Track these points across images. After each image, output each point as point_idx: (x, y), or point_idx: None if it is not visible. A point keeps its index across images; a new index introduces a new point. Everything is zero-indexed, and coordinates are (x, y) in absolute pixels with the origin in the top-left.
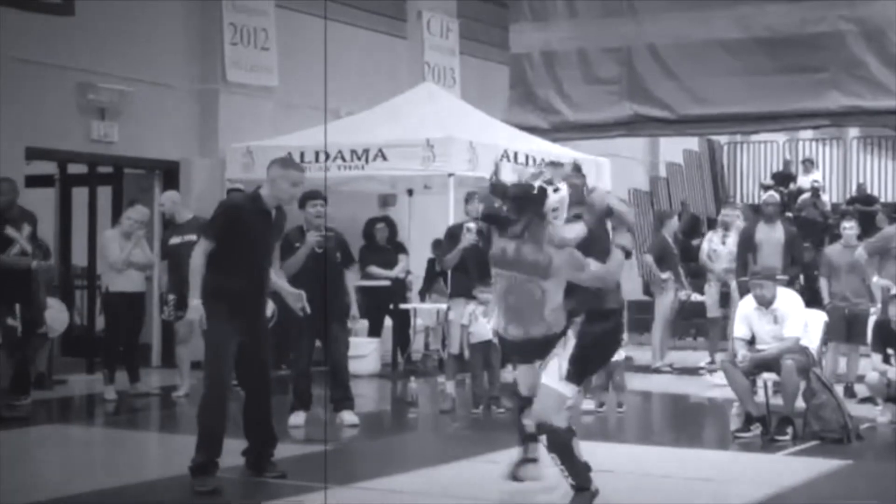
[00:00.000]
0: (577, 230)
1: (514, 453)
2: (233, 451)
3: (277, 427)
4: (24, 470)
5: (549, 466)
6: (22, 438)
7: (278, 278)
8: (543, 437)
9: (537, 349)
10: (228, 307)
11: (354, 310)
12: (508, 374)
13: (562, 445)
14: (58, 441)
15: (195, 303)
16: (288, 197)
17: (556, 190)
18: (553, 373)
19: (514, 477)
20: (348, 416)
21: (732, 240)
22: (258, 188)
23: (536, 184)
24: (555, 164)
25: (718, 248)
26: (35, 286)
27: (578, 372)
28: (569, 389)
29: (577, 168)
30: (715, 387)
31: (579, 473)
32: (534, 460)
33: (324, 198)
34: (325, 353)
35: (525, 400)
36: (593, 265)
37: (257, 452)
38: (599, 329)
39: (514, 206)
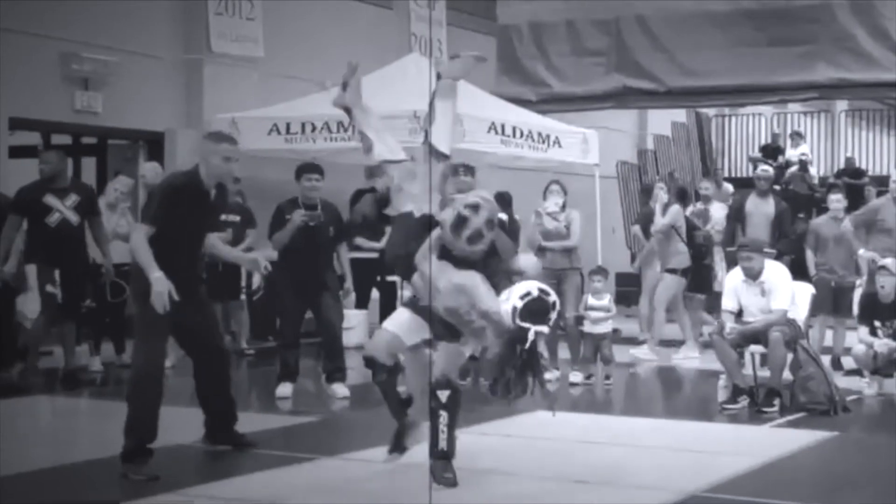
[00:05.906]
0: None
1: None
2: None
3: (265, 399)
4: (10, 441)
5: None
6: (7, 409)
7: (223, 247)
8: (444, 394)
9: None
10: None
11: (349, 283)
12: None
13: (456, 406)
14: (44, 412)
15: (157, 275)
16: (223, 173)
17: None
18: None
19: (403, 448)
20: (339, 389)
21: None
22: (196, 166)
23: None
24: None
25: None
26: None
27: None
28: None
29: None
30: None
31: (453, 440)
32: (413, 425)
33: (320, 171)
34: (317, 324)
35: (390, 367)
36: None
37: (216, 424)
38: None
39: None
